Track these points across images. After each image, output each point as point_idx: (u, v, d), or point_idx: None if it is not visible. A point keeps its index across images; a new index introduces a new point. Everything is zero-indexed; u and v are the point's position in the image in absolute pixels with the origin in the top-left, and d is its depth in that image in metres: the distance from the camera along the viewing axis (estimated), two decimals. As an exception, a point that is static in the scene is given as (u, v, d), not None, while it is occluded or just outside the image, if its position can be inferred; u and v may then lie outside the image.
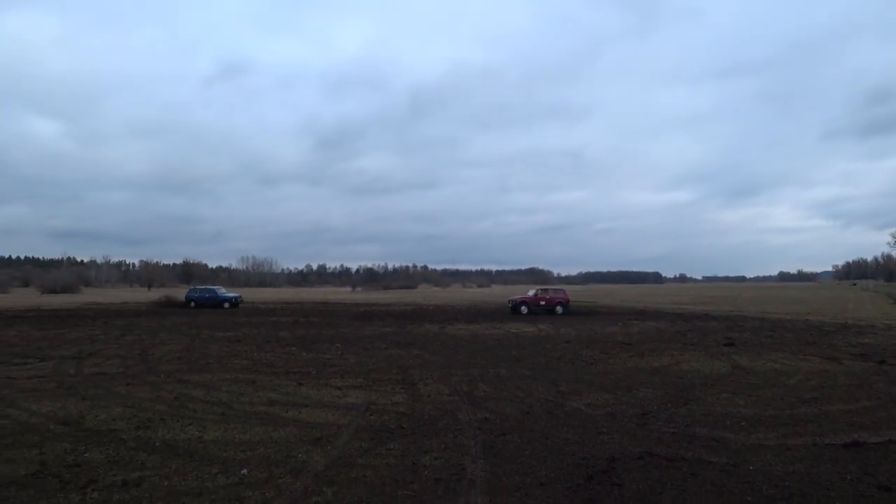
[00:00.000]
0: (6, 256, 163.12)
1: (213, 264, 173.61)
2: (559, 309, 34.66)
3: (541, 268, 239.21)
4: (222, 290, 45.18)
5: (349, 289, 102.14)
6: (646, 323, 26.25)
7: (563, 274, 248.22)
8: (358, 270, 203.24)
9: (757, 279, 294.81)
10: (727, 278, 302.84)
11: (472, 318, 30.25)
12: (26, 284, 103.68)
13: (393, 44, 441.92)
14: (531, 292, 37.33)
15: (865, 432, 7.28)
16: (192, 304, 40.60)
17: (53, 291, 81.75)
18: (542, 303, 35.12)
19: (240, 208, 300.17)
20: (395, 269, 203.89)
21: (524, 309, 34.51)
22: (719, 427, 7.52)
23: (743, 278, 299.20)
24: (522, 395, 9.78)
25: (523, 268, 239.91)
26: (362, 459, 6.18)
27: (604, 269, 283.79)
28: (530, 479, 5.56)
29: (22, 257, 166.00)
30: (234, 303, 42.10)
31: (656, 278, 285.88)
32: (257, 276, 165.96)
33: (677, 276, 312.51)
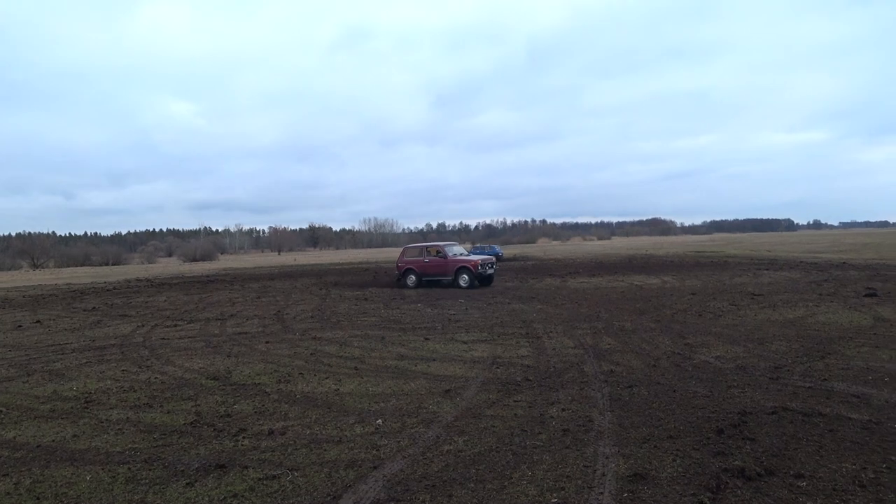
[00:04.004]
0: (153, 230, 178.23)
1: (336, 227, 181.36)
2: None
3: (663, 218, 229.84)
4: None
5: (469, 245, 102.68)
6: (778, 273, 24.80)
7: (686, 223, 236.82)
8: (477, 227, 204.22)
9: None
10: (867, 224, 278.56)
11: (593, 271, 29.85)
12: (170, 254, 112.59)
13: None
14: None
15: None
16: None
17: (194, 259, 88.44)
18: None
19: (362, 170, 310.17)
20: (513, 224, 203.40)
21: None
22: (860, 382, 7.05)
23: (886, 223, 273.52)
24: (648, 347, 9.63)
25: (644, 218, 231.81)
26: (491, 410, 6.36)
27: (731, 217, 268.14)
28: (659, 431, 5.53)
29: (165, 229, 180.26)
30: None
31: (788, 225, 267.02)
32: (379, 236, 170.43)
33: (811, 222, 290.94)
